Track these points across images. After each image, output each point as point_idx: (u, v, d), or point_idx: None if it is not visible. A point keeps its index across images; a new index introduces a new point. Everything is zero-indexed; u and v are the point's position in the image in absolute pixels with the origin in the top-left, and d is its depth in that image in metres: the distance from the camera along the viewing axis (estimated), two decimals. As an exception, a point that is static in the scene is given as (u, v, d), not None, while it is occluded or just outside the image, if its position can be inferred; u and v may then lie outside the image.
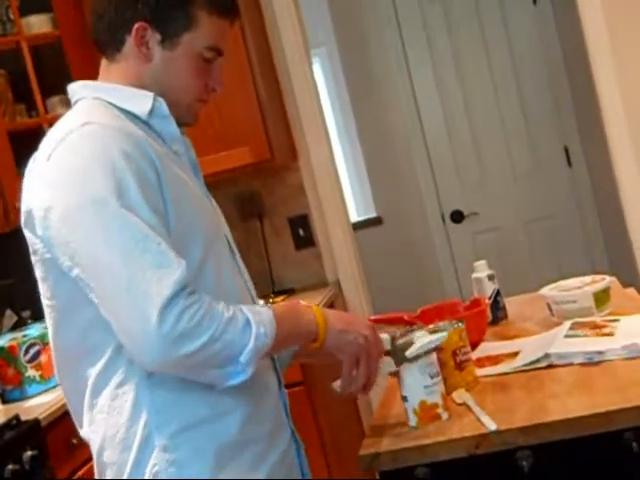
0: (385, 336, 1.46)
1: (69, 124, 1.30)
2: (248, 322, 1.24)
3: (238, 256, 1.48)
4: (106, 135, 1.26)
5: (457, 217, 4.48)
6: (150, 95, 1.36)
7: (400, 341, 1.46)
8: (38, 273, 1.35)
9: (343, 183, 3.71)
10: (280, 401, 1.45)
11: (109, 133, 1.27)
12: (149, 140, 1.31)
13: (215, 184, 1.51)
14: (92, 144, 1.25)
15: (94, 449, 1.35)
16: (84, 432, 1.37)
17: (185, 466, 1.28)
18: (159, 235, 1.22)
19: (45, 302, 1.36)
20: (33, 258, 1.34)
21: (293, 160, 3.42)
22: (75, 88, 1.41)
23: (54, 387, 2.36)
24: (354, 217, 4.54)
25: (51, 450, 2.12)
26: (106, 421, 1.31)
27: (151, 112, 1.35)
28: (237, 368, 1.24)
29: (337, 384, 1.44)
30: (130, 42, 1.36)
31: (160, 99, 1.36)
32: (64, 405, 2.15)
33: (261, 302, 1.57)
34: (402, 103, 4.45)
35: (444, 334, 1.52)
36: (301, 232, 3.46)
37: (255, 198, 3.44)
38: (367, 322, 1.42)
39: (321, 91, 3.94)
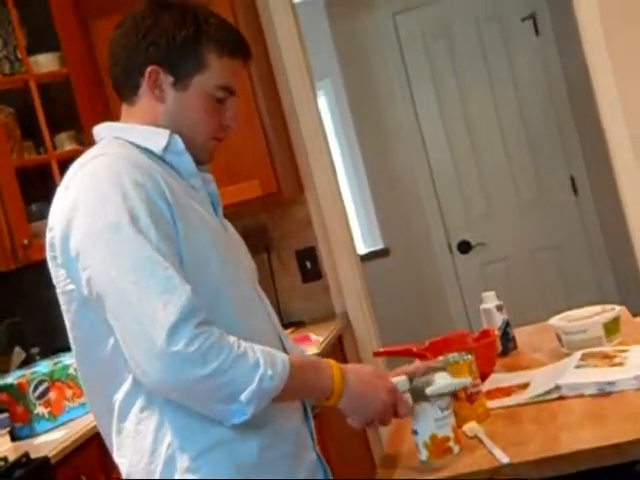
0: (403, 378, 1.45)
1: (85, 157, 1.38)
2: (257, 362, 1.26)
3: (261, 290, 1.51)
4: (118, 165, 1.32)
5: (464, 247, 4.47)
6: (166, 132, 1.41)
7: (421, 380, 1.46)
8: (62, 305, 1.39)
9: (350, 215, 3.72)
10: (305, 425, 1.46)
11: (121, 163, 1.33)
12: (162, 173, 1.35)
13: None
14: (105, 173, 1.31)
15: (123, 474, 1.39)
16: (115, 456, 1.41)
17: None
18: (167, 260, 1.26)
19: (69, 333, 1.40)
20: (57, 290, 1.39)
21: (300, 193, 3.43)
22: (98, 130, 1.48)
23: (63, 424, 2.36)
24: (361, 249, 4.55)
25: (60, 488, 2.11)
26: (132, 446, 1.35)
27: (166, 148, 1.40)
28: (239, 407, 1.25)
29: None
30: (144, 85, 1.42)
31: (176, 136, 1.41)
32: (73, 442, 2.17)
33: (288, 331, 1.58)
34: (407, 134, 4.47)
35: (467, 379, 1.52)
36: (308, 265, 3.46)
37: (262, 231, 3.45)
38: (389, 386, 1.43)
39: (326, 123, 3.96)
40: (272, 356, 1.29)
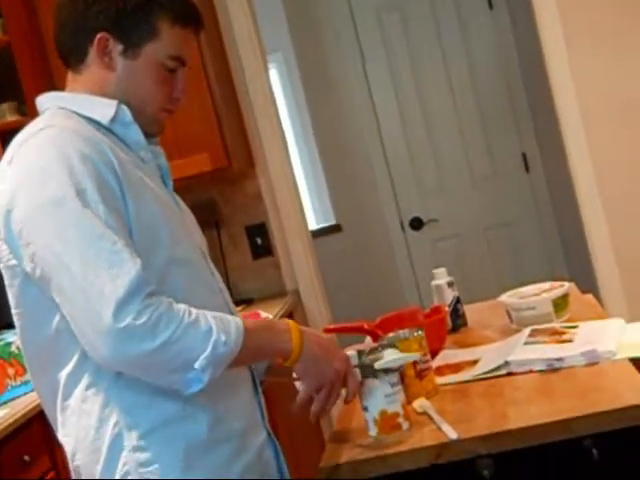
0: (352, 353, 1.46)
1: (30, 129, 1.34)
2: (210, 329, 1.25)
3: (212, 265, 1.50)
4: (64, 137, 1.29)
5: (416, 224, 4.50)
6: (113, 103, 1.38)
7: (370, 357, 1.47)
8: (5, 281, 1.36)
9: (301, 190, 3.71)
10: (255, 401, 1.47)
11: (66, 135, 1.30)
12: (110, 144, 1.33)
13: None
14: (50, 147, 1.28)
15: (68, 453, 1.38)
16: (59, 435, 1.39)
17: (154, 466, 1.30)
18: (116, 234, 1.24)
19: (13, 310, 1.38)
20: (0, 266, 1.36)
21: (250, 167, 3.41)
22: (42, 99, 1.44)
23: (5, 403, 2.32)
24: (313, 225, 4.54)
25: (4, 467, 2.08)
26: (77, 424, 1.34)
27: (114, 119, 1.38)
28: (195, 375, 1.24)
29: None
30: (93, 53, 1.39)
31: (123, 106, 1.38)
32: (16, 421, 2.14)
33: (237, 309, 1.59)
34: (360, 109, 4.46)
35: (416, 355, 1.54)
36: (259, 241, 3.45)
37: (212, 206, 3.42)
38: (344, 355, 1.44)
39: (278, 97, 3.94)
40: (225, 321, 1.28)
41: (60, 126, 1.32)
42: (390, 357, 1.46)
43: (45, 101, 1.43)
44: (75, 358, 1.31)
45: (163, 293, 1.26)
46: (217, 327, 1.26)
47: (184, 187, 3.17)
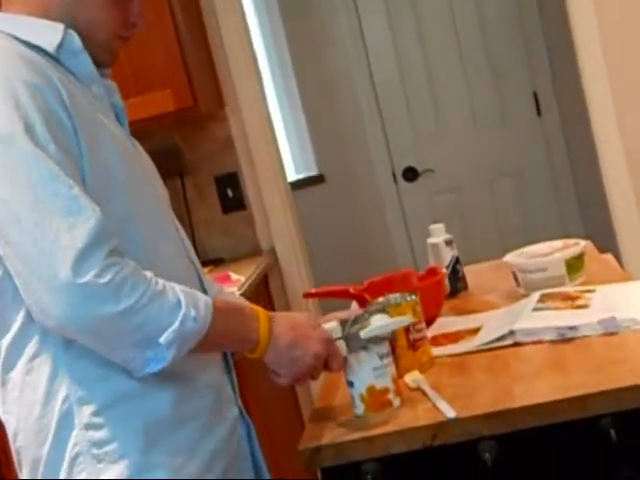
0: (334, 324, 1.46)
1: None
2: (179, 302, 1.26)
3: (174, 216, 1.51)
4: (7, 62, 1.27)
5: (410, 175, 4.49)
6: (60, 27, 1.35)
7: (356, 326, 1.47)
8: None
9: (279, 135, 3.68)
10: (226, 376, 1.49)
11: (10, 60, 1.27)
12: (59, 75, 1.31)
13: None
14: None
15: (9, 433, 1.38)
16: None
17: (109, 446, 1.31)
18: (71, 178, 1.23)
19: None
20: None
21: (220, 108, 3.37)
22: None
23: None
24: (292, 175, 4.52)
25: None
26: (20, 399, 1.33)
27: (61, 46, 1.35)
28: (156, 352, 1.25)
29: None
30: None
31: (72, 32, 1.36)
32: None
33: (205, 270, 1.61)
34: (348, 42, 4.44)
35: (408, 318, 1.53)
36: (230, 193, 3.43)
37: (175, 153, 3.39)
38: (324, 336, 1.44)
39: (252, 27, 3.89)
40: (194, 297, 1.29)
41: (6, 49, 1.29)
42: (379, 323, 1.45)
43: None
44: (17, 324, 1.31)
45: (122, 247, 1.25)
46: (186, 300, 1.26)
47: (142, 130, 3.12)
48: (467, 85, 4.43)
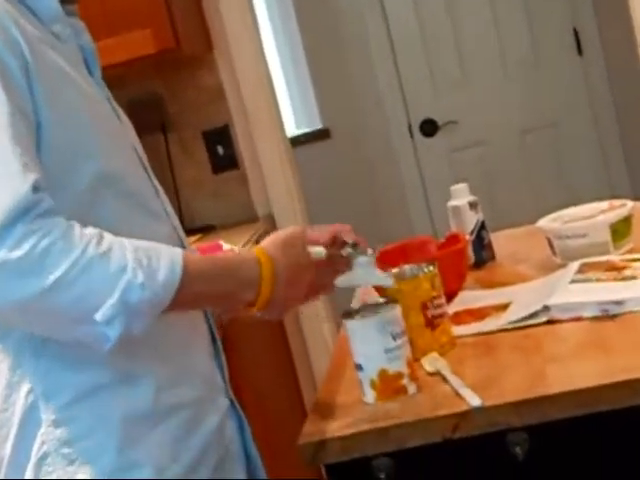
0: (319, 250, 1.48)
1: None
2: (123, 266, 1.20)
3: (154, 178, 1.50)
4: None
5: (429, 128, 4.49)
6: None
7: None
8: None
9: (277, 83, 3.67)
10: (214, 361, 1.50)
11: None
12: (14, 14, 1.30)
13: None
14: None
15: None
16: None
17: (82, 444, 1.31)
18: (10, 137, 1.20)
19: None
20: None
21: (207, 50, 3.37)
22: None
23: None
24: (292, 129, 4.53)
25: None
26: None
27: None
28: (100, 328, 1.21)
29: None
30: None
31: None
32: None
33: (192, 239, 1.60)
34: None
35: (389, 280, 1.54)
36: (220, 150, 3.44)
37: (156, 103, 3.40)
38: (310, 260, 1.45)
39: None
40: (153, 255, 1.24)
41: None
42: (357, 274, 1.48)
43: None
44: None
45: (90, 220, 1.24)
46: (135, 264, 1.21)
47: (117, 77, 3.12)
48: (494, 21, 4.41)
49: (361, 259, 1.50)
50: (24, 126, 1.24)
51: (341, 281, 1.48)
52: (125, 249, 1.22)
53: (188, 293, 1.26)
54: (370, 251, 1.52)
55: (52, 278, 1.16)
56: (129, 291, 1.20)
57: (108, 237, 1.22)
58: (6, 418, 1.32)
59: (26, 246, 1.15)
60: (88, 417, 1.32)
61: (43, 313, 1.20)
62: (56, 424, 1.31)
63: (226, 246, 2.93)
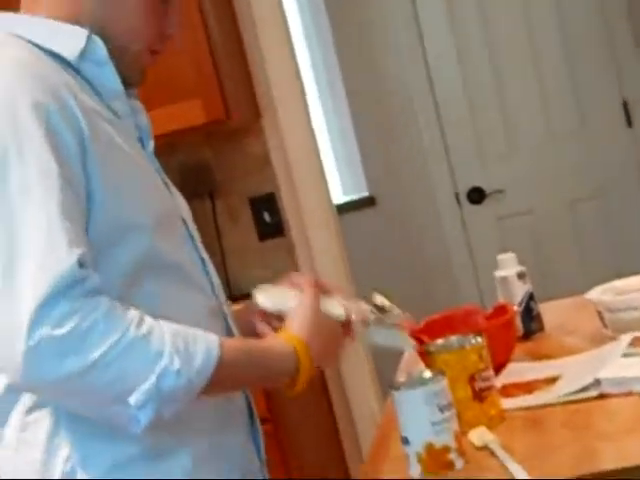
0: (339, 313, 1.52)
1: None
2: (160, 352, 1.22)
3: (202, 249, 1.52)
4: (14, 75, 1.29)
5: (476, 196, 4.48)
6: (83, 32, 1.39)
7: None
8: None
9: (323, 151, 3.69)
10: (250, 438, 1.50)
11: (17, 73, 1.29)
12: (75, 90, 1.33)
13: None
14: None
15: None
16: None
17: None
18: (62, 213, 1.22)
19: None
20: None
21: (255, 119, 3.40)
22: None
23: None
24: (338, 197, 4.54)
25: None
26: (14, 459, 1.34)
27: (83, 54, 1.38)
28: (131, 413, 1.22)
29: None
30: None
31: (96, 38, 1.39)
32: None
33: (238, 307, 1.65)
34: (403, 44, 4.45)
35: (411, 343, 1.58)
36: (267, 217, 3.45)
37: (204, 171, 3.43)
38: (338, 329, 1.50)
39: (295, 30, 3.91)
40: (190, 341, 1.26)
41: (9, 59, 1.31)
42: (382, 333, 1.50)
43: None
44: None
45: (130, 295, 1.26)
46: (172, 348, 1.23)
47: (167, 145, 3.19)
48: (542, 93, 4.40)
49: (387, 319, 1.50)
50: (75, 200, 1.26)
51: (364, 337, 1.49)
52: (164, 333, 1.24)
53: (222, 380, 1.29)
54: (397, 311, 1.53)
55: (91, 358, 1.17)
56: (164, 377, 1.21)
57: (148, 320, 1.24)
58: None
59: (69, 325, 1.17)
60: None
61: (78, 392, 1.21)
62: None
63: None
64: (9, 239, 1.20)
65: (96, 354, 1.17)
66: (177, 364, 1.22)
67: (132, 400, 1.20)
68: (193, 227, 1.54)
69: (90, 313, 1.18)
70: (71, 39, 1.39)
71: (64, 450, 1.31)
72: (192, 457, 1.35)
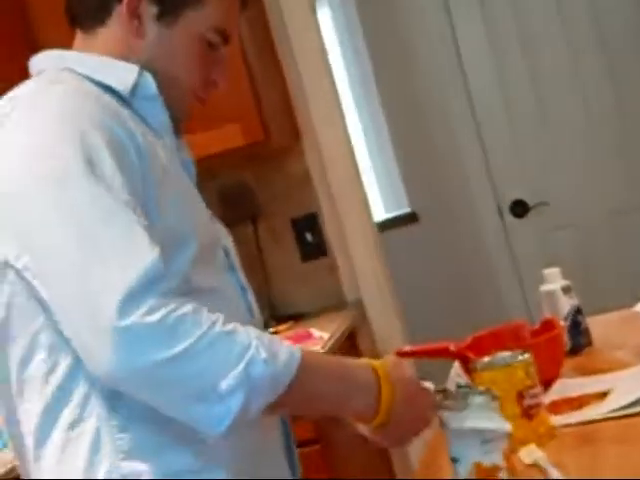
0: (428, 383, 1.47)
1: (25, 88, 1.41)
2: (248, 344, 1.24)
3: (242, 276, 1.55)
4: (77, 100, 1.35)
5: (519, 209, 4.46)
6: (135, 68, 1.45)
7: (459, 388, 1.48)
8: None
9: (364, 169, 3.69)
10: (286, 463, 1.51)
11: (81, 97, 1.35)
12: (132, 121, 1.38)
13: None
14: (59, 109, 1.33)
15: None
16: None
17: None
18: (135, 215, 1.27)
19: None
20: None
21: (295, 141, 3.41)
22: (38, 59, 1.49)
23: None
24: (380, 214, 4.54)
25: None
26: (56, 475, 1.34)
27: (134, 89, 1.43)
28: (219, 403, 1.23)
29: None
30: (118, 12, 1.46)
31: (147, 74, 1.44)
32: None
33: (283, 327, 1.66)
34: (441, 61, 4.45)
35: (507, 425, 1.45)
36: (309, 237, 3.46)
37: (246, 193, 3.44)
38: (432, 401, 1.45)
39: (331, 48, 3.92)
40: (274, 339, 1.29)
41: (70, 83, 1.38)
42: (472, 419, 1.41)
43: (41, 60, 1.48)
44: (52, 386, 1.33)
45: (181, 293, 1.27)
46: (258, 342, 1.25)
47: (207, 169, 3.17)
48: (585, 103, 4.37)
49: (477, 399, 1.46)
50: (140, 210, 1.30)
51: (458, 422, 1.41)
52: (249, 331, 1.27)
53: (305, 383, 1.29)
54: (486, 393, 1.49)
55: (181, 347, 1.20)
56: (253, 365, 1.23)
57: (232, 322, 1.27)
58: None
59: (159, 314, 1.20)
60: None
61: (165, 382, 1.22)
62: None
63: (317, 333, 2.93)
64: (85, 240, 1.23)
65: (186, 343, 1.20)
66: (264, 354, 1.24)
67: (223, 385, 1.21)
68: (235, 256, 1.56)
69: (179, 307, 1.21)
70: (124, 73, 1.44)
71: (104, 466, 1.32)
72: (227, 474, 1.37)
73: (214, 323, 1.23)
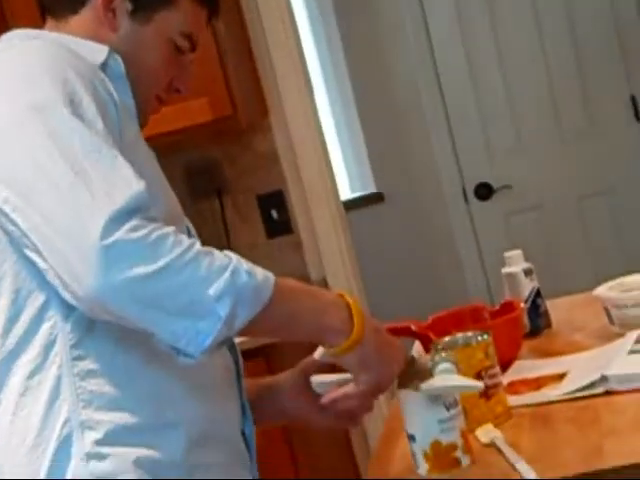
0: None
1: (8, 41, 1.44)
2: (229, 259, 1.26)
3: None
4: (58, 51, 1.37)
5: (484, 192, 4.48)
6: (105, 48, 1.46)
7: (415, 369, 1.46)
8: None
9: (331, 148, 3.69)
10: (241, 437, 1.50)
11: (63, 53, 1.38)
12: (107, 82, 1.40)
13: (156, 151, 1.55)
14: (40, 58, 1.35)
15: None
16: None
17: None
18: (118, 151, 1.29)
19: None
20: None
21: (263, 117, 3.40)
22: (9, 36, 1.49)
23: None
24: (346, 193, 4.54)
25: None
26: (11, 425, 1.35)
27: (105, 64, 1.44)
28: (208, 313, 1.23)
29: (319, 381, 1.51)
30: (94, 5, 1.48)
31: (116, 55, 1.46)
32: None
33: None
34: (409, 38, 4.45)
35: (479, 384, 1.50)
36: (274, 214, 3.46)
37: (212, 169, 3.43)
38: (403, 347, 1.46)
39: (301, 25, 3.91)
40: (248, 262, 1.30)
41: (50, 39, 1.42)
42: (441, 382, 1.43)
43: (12, 37, 1.48)
44: (13, 335, 1.34)
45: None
46: (236, 259, 1.27)
47: (174, 144, 3.19)
48: (550, 88, 4.39)
49: (444, 365, 1.47)
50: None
51: (426, 386, 1.42)
52: (226, 252, 1.28)
53: (281, 301, 1.29)
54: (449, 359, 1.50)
55: (164, 261, 1.21)
56: (237, 274, 1.24)
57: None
58: (38, 455, 1.33)
59: (142, 232, 1.21)
60: (119, 456, 1.33)
61: (150, 297, 1.22)
62: (88, 458, 1.32)
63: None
64: (72, 168, 1.24)
65: (168, 258, 1.21)
66: (245, 266, 1.26)
67: (212, 291, 1.22)
68: (196, 237, 1.56)
69: (161, 228, 1.23)
70: (94, 51, 1.45)
71: (62, 415, 1.32)
72: (187, 437, 1.36)
73: (194, 243, 1.25)
